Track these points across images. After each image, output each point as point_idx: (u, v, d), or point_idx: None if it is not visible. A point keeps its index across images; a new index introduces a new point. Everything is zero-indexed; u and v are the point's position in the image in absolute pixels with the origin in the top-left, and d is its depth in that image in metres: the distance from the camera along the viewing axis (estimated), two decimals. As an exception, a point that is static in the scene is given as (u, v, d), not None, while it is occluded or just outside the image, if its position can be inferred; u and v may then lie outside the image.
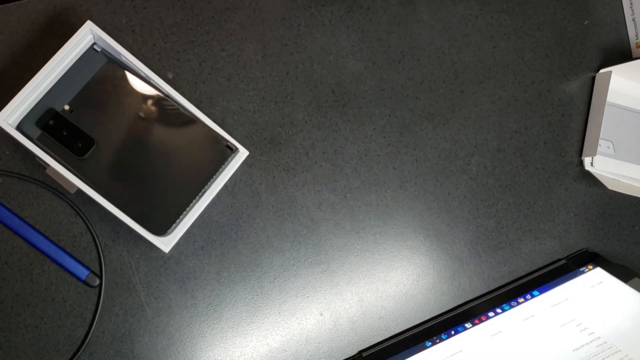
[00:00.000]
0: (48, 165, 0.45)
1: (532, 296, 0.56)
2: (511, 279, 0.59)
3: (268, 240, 0.53)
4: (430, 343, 0.53)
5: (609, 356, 0.51)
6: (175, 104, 0.48)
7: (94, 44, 0.47)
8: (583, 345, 0.52)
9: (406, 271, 0.56)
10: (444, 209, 0.57)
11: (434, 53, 0.58)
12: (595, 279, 0.57)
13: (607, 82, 0.60)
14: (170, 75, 0.52)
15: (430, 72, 0.58)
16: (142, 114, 0.47)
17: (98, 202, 0.45)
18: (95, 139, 0.46)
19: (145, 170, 0.47)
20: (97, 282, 0.49)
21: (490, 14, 0.59)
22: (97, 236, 0.50)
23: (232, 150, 0.48)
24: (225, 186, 0.52)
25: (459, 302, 0.58)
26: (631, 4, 0.62)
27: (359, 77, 0.56)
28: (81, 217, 0.50)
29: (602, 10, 0.62)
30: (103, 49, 0.47)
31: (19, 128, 0.45)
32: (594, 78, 0.62)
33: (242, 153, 0.49)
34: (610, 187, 0.61)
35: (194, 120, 0.48)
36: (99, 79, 0.47)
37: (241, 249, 0.53)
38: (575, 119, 0.62)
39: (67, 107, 0.46)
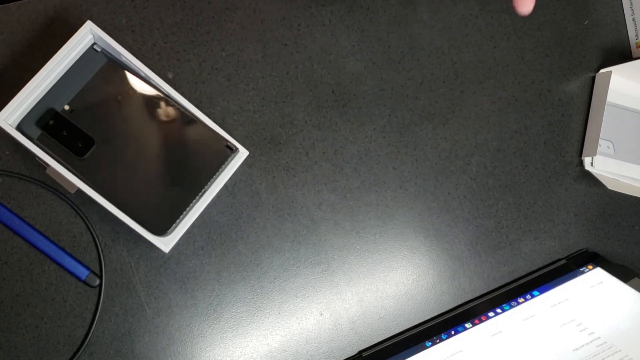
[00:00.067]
0: (48, 165, 0.45)
1: (532, 296, 0.56)
2: (511, 279, 0.59)
3: (268, 240, 0.53)
4: (430, 343, 0.53)
5: (609, 356, 0.51)
6: (175, 104, 0.48)
7: (94, 44, 0.47)
8: (583, 345, 0.52)
9: (406, 271, 0.56)
10: (444, 209, 0.57)
11: (434, 53, 0.58)
12: (595, 279, 0.57)
13: (607, 82, 0.60)
14: (170, 75, 0.52)
15: (430, 72, 0.58)
16: (142, 114, 0.47)
17: (98, 202, 0.45)
18: (95, 139, 0.46)
19: (145, 170, 0.47)
20: (97, 282, 0.49)
21: (490, 14, 0.59)
22: (97, 236, 0.50)
23: (232, 150, 0.48)
24: (225, 186, 0.52)
25: (459, 302, 0.58)
26: (631, 4, 0.62)
27: (359, 77, 0.56)
28: (81, 217, 0.50)
29: (602, 10, 0.62)
30: (103, 49, 0.47)
31: (19, 128, 0.45)
32: (594, 78, 0.62)
33: (242, 153, 0.49)
34: (610, 187, 0.61)
35: (194, 120, 0.48)
36: (99, 79, 0.47)
37: (241, 249, 0.53)
38: (575, 119, 0.62)
39: (67, 107, 0.46)
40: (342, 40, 0.56)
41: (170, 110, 0.48)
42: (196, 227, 0.52)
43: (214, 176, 0.48)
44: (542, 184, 0.60)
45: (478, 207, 0.58)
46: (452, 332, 0.54)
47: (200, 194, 0.47)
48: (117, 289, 0.50)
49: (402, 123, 0.57)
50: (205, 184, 0.48)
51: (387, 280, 0.56)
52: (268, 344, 0.53)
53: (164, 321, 0.51)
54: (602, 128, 0.59)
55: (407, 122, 0.57)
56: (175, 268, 0.51)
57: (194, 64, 0.52)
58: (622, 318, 0.54)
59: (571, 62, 0.62)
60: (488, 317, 0.55)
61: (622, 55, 0.63)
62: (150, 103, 0.48)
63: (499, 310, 0.55)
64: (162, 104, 0.48)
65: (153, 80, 0.47)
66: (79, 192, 0.49)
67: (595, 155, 0.60)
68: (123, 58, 0.47)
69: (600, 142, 0.60)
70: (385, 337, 0.55)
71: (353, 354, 0.55)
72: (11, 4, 0.49)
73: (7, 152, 0.49)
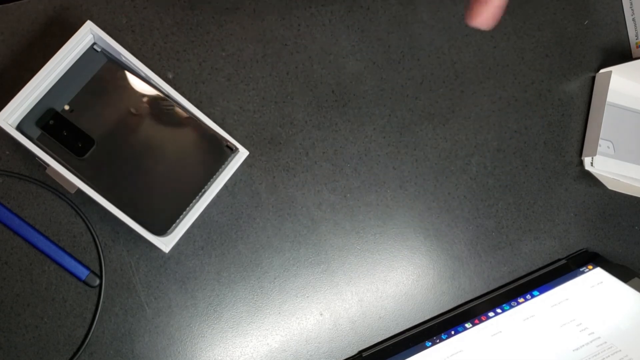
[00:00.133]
0: (48, 165, 0.45)
1: (532, 296, 0.56)
2: (511, 279, 0.59)
3: (268, 240, 0.53)
4: (430, 343, 0.53)
5: (609, 356, 0.51)
6: (175, 104, 0.48)
7: (94, 44, 0.47)
8: (583, 345, 0.52)
9: (406, 271, 0.56)
10: (444, 209, 0.57)
11: (434, 53, 0.58)
12: (595, 279, 0.57)
13: (607, 82, 0.60)
14: (170, 75, 0.52)
15: (430, 72, 0.58)
16: (142, 114, 0.47)
17: (98, 202, 0.45)
18: (95, 139, 0.46)
19: (145, 170, 0.47)
20: (97, 282, 0.49)
21: (490, 14, 0.59)
22: (97, 236, 0.50)
23: (232, 150, 0.48)
24: (225, 186, 0.52)
25: (459, 302, 0.58)
26: (631, 4, 0.62)
27: (359, 77, 0.56)
28: (81, 217, 0.50)
29: (602, 10, 0.62)
30: (103, 49, 0.47)
31: (19, 128, 0.45)
32: (594, 78, 0.62)
33: (242, 153, 0.49)
34: (610, 187, 0.61)
35: (194, 120, 0.48)
36: (99, 79, 0.47)
37: (241, 249, 0.53)
38: (575, 119, 0.62)
39: (67, 107, 0.46)
40: (342, 40, 0.56)
41: (170, 110, 0.48)
42: (196, 227, 0.52)
43: (214, 176, 0.48)
44: (542, 184, 0.60)
45: (478, 207, 0.58)
46: (452, 332, 0.54)
47: (200, 194, 0.47)
48: (117, 289, 0.50)
49: (402, 123, 0.57)
50: (205, 184, 0.48)
51: (387, 280, 0.56)
52: (268, 344, 0.53)
53: (164, 321, 0.51)
54: (602, 128, 0.59)
55: (407, 122, 0.57)
56: (175, 268, 0.51)
57: (194, 64, 0.52)
58: (622, 318, 0.54)
59: (571, 62, 0.62)
60: (488, 317, 0.55)
61: (622, 55, 0.63)
62: (150, 103, 0.48)
63: (499, 310, 0.55)
64: (162, 104, 0.48)
65: (153, 80, 0.47)
66: (79, 192, 0.49)
67: (595, 155, 0.60)
68: (123, 58, 0.47)
69: (600, 142, 0.60)
70: (385, 337, 0.55)
71: (353, 354, 0.55)
72: (11, 4, 0.49)
73: (7, 152, 0.49)
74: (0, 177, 0.49)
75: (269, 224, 0.53)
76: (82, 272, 0.49)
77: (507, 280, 0.59)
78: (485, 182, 0.59)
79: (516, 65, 0.60)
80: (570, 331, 0.53)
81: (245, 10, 0.54)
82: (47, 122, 0.46)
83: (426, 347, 0.53)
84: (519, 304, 0.56)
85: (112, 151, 0.47)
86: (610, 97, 0.60)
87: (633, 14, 0.62)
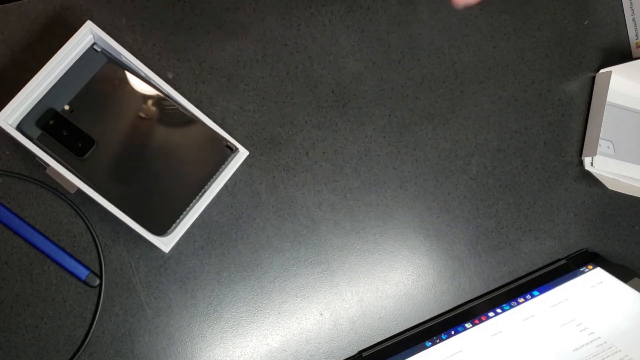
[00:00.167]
0: (48, 165, 0.45)
1: (532, 296, 0.56)
2: (511, 279, 0.59)
3: (268, 240, 0.53)
4: (430, 343, 0.53)
5: (609, 356, 0.51)
6: (175, 104, 0.48)
7: (94, 44, 0.47)
8: (583, 345, 0.52)
9: (406, 271, 0.56)
10: (444, 209, 0.57)
11: (434, 53, 0.58)
12: (595, 279, 0.57)
13: (607, 82, 0.60)
14: (170, 75, 0.52)
15: (430, 72, 0.58)
16: (142, 114, 0.47)
17: (98, 202, 0.45)
18: (95, 139, 0.46)
19: (145, 170, 0.47)
20: (97, 282, 0.49)
21: (490, 14, 0.59)
22: (97, 236, 0.50)
23: (232, 150, 0.48)
24: (225, 186, 0.52)
25: (459, 302, 0.58)
26: (631, 4, 0.62)
27: (359, 77, 0.56)
28: (81, 217, 0.50)
29: (602, 10, 0.62)
30: (103, 49, 0.47)
31: (19, 128, 0.45)
32: (594, 78, 0.62)
33: (242, 153, 0.49)
34: (610, 187, 0.61)
35: (194, 120, 0.48)
36: (99, 79, 0.47)
37: (241, 249, 0.53)
38: (575, 119, 0.62)
39: (67, 107, 0.46)
40: (342, 40, 0.56)
41: (170, 110, 0.48)
42: (196, 227, 0.52)
43: (214, 176, 0.48)
44: (542, 184, 0.60)
45: (478, 207, 0.58)
46: (452, 332, 0.54)
47: (200, 194, 0.47)
48: (117, 289, 0.50)
49: (402, 123, 0.57)
50: (205, 184, 0.48)
51: (387, 280, 0.56)
52: (268, 344, 0.53)
53: (164, 321, 0.51)
54: (602, 128, 0.59)
55: (407, 122, 0.57)
56: (175, 268, 0.51)
57: (194, 64, 0.52)
58: (622, 318, 0.54)
59: (571, 62, 0.62)
60: (488, 317, 0.55)
61: (622, 55, 0.63)
62: (150, 103, 0.48)
63: (499, 310, 0.55)
64: (162, 104, 0.48)
65: (153, 80, 0.47)
66: (79, 192, 0.49)
67: (595, 155, 0.60)
68: (123, 58, 0.47)
69: (600, 142, 0.60)
70: (385, 337, 0.55)
71: (353, 354, 0.55)
72: (11, 4, 0.49)
73: (7, 152, 0.49)
74: (0, 177, 0.49)
75: (269, 224, 0.53)
76: (82, 272, 0.49)
77: (507, 280, 0.59)
78: (485, 182, 0.59)
79: (516, 65, 0.60)
80: (570, 331, 0.53)
81: (245, 10, 0.54)
82: (47, 122, 0.46)
83: (426, 347, 0.53)
84: (519, 304, 0.56)
85: (112, 151, 0.47)
86: (610, 97, 0.60)
87: (633, 14, 0.62)
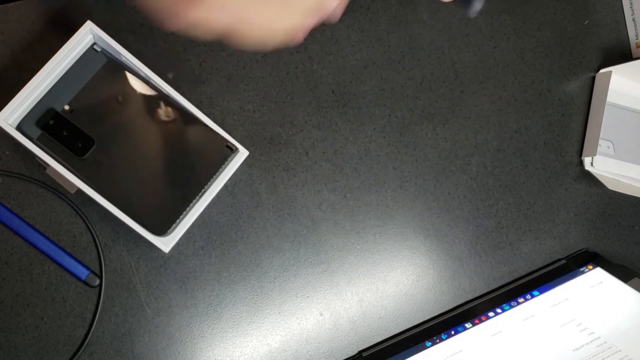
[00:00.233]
0: (48, 165, 0.45)
1: (532, 296, 0.56)
2: (511, 279, 0.59)
3: (268, 240, 0.53)
4: (430, 343, 0.53)
5: (609, 356, 0.51)
6: (175, 104, 0.48)
7: (94, 44, 0.47)
8: (583, 345, 0.52)
9: (406, 271, 0.56)
10: (444, 209, 0.57)
11: (434, 53, 0.58)
12: (595, 279, 0.57)
13: (607, 82, 0.60)
14: (170, 75, 0.52)
15: (430, 72, 0.58)
16: (142, 114, 0.47)
17: (98, 202, 0.45)
18: (95, 139, 0.46)
19: (145, 170, 0.47)
20: (97, 282, 0.49)
21: (490, 14, 0.59)
22: (97, 236, 0.50)
23: (232, 150, 0.48)
24: (225, 186, 0.52)
25: (459, 302, 0.58)
26: (631, 4, 0.62)
27: (359, 77, 0.56)
28: (81, 217, 0.50)
29: (602, 10, 0.62)
30: (103, 49, 0.47)
31: (19, 128, 0.45)
32: (594, 78, 0.62)
33: (242, 153, 0.49)
34: (610, 187, 0.61)
35: (194, 120, 0.48)
36: (99, 79, 0.47)
37: (241, 249, 0.53)
38: (575, 119, 0.62)
39: (67, 107, 0.46)
40: (342, 40, 0.56)
41: (170, 111, 0.48)
42: (196, 227, 0.52)
43: (214, 176, 0.48)
44: (542, 184, 0.60)
45: (478, 207, 0.58)
46: (452, 332, 0.54)
47: (200, 194, 0.47)
48: (117, 289, 0.50)
49: (402, 123, 0.57)
50: (205, 184, 0.48)
51: (387, 280, 0.56)
52: (268, 344, 0.53)
53: (164, 321, 0.51)
54: (602, 128, 0.59)
55: (407, 122, 0.57)
56: (175, 268, 0.51)
57: (194, 64, 0.52)
58: (622, 318, 0.54)
59: (571, 62, 0.62)
60: (488, 317, 0.55)
61: (622, 55, 0.63)
62: (150, 103, 0.48)
63: (499, 310, 0.55)
64: (162, 104, 0.48)
65: (153, 80, 0.47)
66: (79, 192, 0.49)
67: (595, 155, 0.60)
68: (123, 58, 0.47)
69: (600, 142, 0.60)
70: (385, 337, 0.55)
71: (353, 354, 0.55)
72: (11, 4, 0.49)
73: (7, 152, 0.49)
74: (0, 177, 0.49)
75: (269, 224, 0.53)
76: (82, 272, 0.49)
77: (507, 280, 0.59)
78: (485, 182, 0.59)
79: (516, 65, 0.60)
80: (570, 331, 0.53)
81: (245, 10, 0.54)
82: (47, 122, 0.46)
83: (426, 347, 0.53)
84: (519, 304, 0.56)
85: (112, 151, 0.47)
86: (610, 97, 0.60)
87: (633, 14, 0.62)
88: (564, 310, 0.55)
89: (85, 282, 0.49)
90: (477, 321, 0.55)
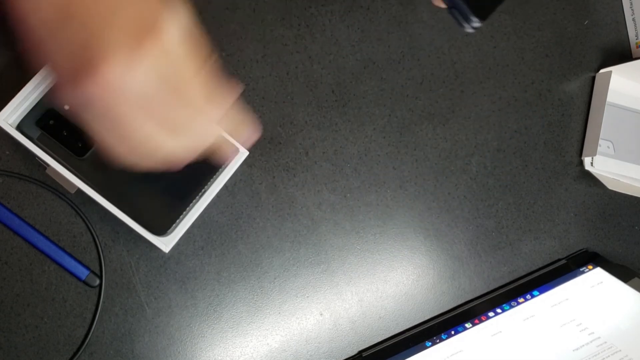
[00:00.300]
0: (48, 165, 0.45)
1: (532, 296, 0.56)
2: (511, 279, 0.59)
3: (268, 240, 0.53)
4: (430, 343, 0.53)
5: (609, 356, 0.51)
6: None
7: (94, 44, 0.47)
8: (583, 345, 0.52)
9: (406, 271, 0.56)
10: (444, 209, 0.57)
11: (434, 53, 0.58)
12: (595, 279, 0.57)
13: (607, 82, 0.60)
14: (170, 75, 0.52)
15: (430, 72, 0.58)
16: (142, 114, 0.47)
17: (98, 202, 0.45)
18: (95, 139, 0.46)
19: (145, 170, 0.47)
20: (97, 282, 0.49)
21: (490, 14, 0.59)
22: (97, 236, 0.50)
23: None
24: (225, 186, 0.52)
25: (459, 302, 0.58)
26: (631, 4, 0.62)
27: (359, 77, 0.56)
28: (81, 217, 0.50)
29: (602, 10, 0.62)
30: (103, 49, 0.47)
31: (19, 128, 0.45)
32: (594, 78, 0.62)
33: (242, 153, 0.49)
34: (610, 187, 0.61)
35: (194, 120, 0.48)
36: (99, 79, 0.47)
37: (241, 249, 0.53)
38: (575, 119, 0.62)
39: (67, 107, 0.46)
40: (342, 40, 0.56)
41: (170, 110, 0.48)
42: (196, 227, 0.52)
43: (214, 176, 0.48)
44: (542, 184, 0.60)
45: (478, 207, 0.58)
46: (452, 332, 0.54)
47: (200, 194, 0.47)
48: (117, 289, 0.50)
49: (402, 123, 0.57)
50: (205, 184, 0.48)
51: (387, 280, 0.56)
52: (268, 344, 0.53)
53: (164, 321, 0.51)
54: (602, 128, 0.59)
55: (407, 122, 0.57)
56: (175, 268, 0.51)
57: (194, 64, 0.52)
58: (622, 318, 0.54)
59: (571, 62, 0.62)
60: (488, 317, 0.55)
61: (622, 55, 0.63)
62: (150, 103, 0.48)
63: (499, 310, 0.55)
64: (162, 104, 0.48)
65: (153, 80, 0.47)
66: (79, 192, 0.49)
67: (595, 155, 0.60)
68: (123, 58, 0.47)
69: (600, 142, 0.60)
70: (385, 337, 0.55)
71: (353, 354, 0.55)
72: (11, 4, 0.49)
73: (7, 152, 0.49)
74: (0, 177, 0.49)
75: (269, 224, 0.53)
76: (82, 272, 0.49)
77: (507, 280, 0.59)
78: (485, 182, 0.59)
79: (516, 65, 0.60)
80: (570, 331, 0.53)
81: (245, 10, 0.54)
82: (47, 122, 0.46)
83: (426, 347, 0.53)
84: (519, 304, 0.56)
85: (112, 151, 0.47)
86: (610, 97, 0.60)
87: (633, 14, 0.62)
88: (564, 310, 0.55)
89: (85, 282, 0.49)
90: (477, 321, 0.55)
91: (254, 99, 0.54)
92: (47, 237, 0.49)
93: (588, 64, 0.62)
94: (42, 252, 0.48)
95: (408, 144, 0.57)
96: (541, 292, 0.56)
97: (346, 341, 0.54)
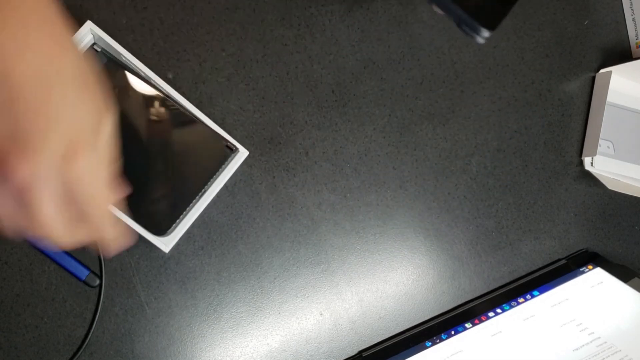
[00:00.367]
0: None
1: (532, 296, 0.56)
2: (511, 279, 0.59)
3: (268, 240, 0.53)
4: (430, 343, 0.53)
5: (609, 356, 0.51)
6: (175, 104, 0.48)
7: (94, 44, 0.47)
8: (583, 345, 0.52)
9: (406, 271, 0.56)
10: (444, 209, 0.57)
11: (434, 53, 0.58)
12: (595, 279, 0.57)
13: (607, 82, 0.60)
14: (170, 75, 0.52)
15: (430, 72, 0.58)
16: (141, 114, 0.47)
17: (98, 202, 0.45)
18: (95, 139, 0.46)
19: (145, 170, 0.47)
20: (97, 282, 0.49)
21: (490, 14, 0.59)
22: (97, 236, 0.50)
23: (232, 150, 0.48)
24: (225, 186, 0.52)
25: (459, 302, 0.58)
26: (631, 4, 0.62)
27: (359, 77, 0.56)
28: (81, 217, 0.50)
29: (602, 10, 0.62)
30: (103, 49, 0.47)
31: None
32: (594, 78, 0.62)
33: (242, 153, 0.49)
34: (610, 187, 0.61)
35: (194, 120, 0.48)
36: (99, 78, 0.47)
37: (241, 249, 0.53)
38: (575, 119, 0.62)
39: None
40: (342, 40, 0.56)
41: (170, 111, 0.48)
42: (196, 227, 0.52)
43: (214, 176, 0.48)
44: (542, 184, 0.60)
45: (478, 207, 0.58)
46: (452, 332, 0.54)
47: (200, 194, 0.47)
48: (117, 289, 0.50)
49: (402, 123, 0.57)
50: (205, 184, 0.48)
51: (387, 280, 0.56)
52: (268, 344, 0.53)
53: (164, 321, 0.51)
54: (602, 128, 0.59)
55: (407, 122, 0.57)
56: (175, 268, 0.51)
57: (194, 64, 0.52)
58: (622, 318, 0.54)
59: (571, 62, 0.62)
60: (488, 317, 0.55)
61: (622, 55, 0.63)
62: (150, 103, 0.48)
63: (499, 310, 0.55)
64: (162, 104, 0.48)
65: (153, 80, 0.47)
66: (79, 192, 0.49)
67: (595, 155, 0.60)
68: (123, 58, 0.47)
69: (600, 142, 0.60)
70: (385, 337, 0.55)
71: (353, 354, 0.55)
72: (11, 4, 0.49)
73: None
74: (0, 177, 0.49)
75: (269, 224, 0.53)
76: (82, 272, 0.49)
77: (507, 280, 0.59)
78: (485, 182, 0.59)
79: (516, 65, 0.60)
80: (570, 331, 0.53)
81: (245, 10, 0.54)
82: None
83: (426, 347, 0.53)
84: (519, 304, 0.56)
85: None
86: (610, 97, 0.60)
87: (633, 14, 0.62)
88: (564, 310, 0.55)
89: (85, 282, 0.49)
90: (477, 321, 0.55)
91: (254, 99, 0.54)
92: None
93: (588, 64, 0.62)
94: (42, 252, 0.48)
95: (408, 144, 0.57)
96: (541, 292, 0.57)
97: (346, 341, 0.54)
